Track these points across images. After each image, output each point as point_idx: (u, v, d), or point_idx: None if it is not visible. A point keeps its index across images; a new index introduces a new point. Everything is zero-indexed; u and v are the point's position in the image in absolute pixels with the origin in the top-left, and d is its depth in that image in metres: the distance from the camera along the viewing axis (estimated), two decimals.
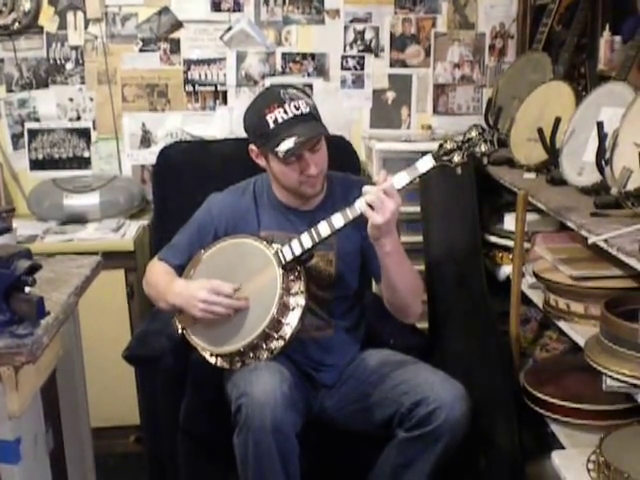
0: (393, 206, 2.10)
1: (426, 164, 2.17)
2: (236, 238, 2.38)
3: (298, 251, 2.25)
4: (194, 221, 2.51)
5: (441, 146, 2.18)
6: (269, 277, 2.25)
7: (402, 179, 2.18)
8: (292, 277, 2.26)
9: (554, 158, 2.69)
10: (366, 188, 2.14)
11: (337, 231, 2.23)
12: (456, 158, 2.17)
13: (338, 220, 2.21)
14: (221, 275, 2.30)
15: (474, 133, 2.17)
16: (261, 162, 2.39)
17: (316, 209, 2.41)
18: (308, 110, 2.27)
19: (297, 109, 2.25)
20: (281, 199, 2.44)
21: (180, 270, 2.43)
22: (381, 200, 2.09)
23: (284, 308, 2.22)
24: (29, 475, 1.81)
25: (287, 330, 2.22)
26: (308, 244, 2.25)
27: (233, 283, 2.26)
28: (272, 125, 2.24)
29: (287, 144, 2.20)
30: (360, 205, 2.15)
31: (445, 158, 2.17)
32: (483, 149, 2.17)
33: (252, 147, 2.38)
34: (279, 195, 2.44)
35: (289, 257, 2.25)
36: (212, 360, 2.30)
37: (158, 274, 2.47)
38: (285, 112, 2.24)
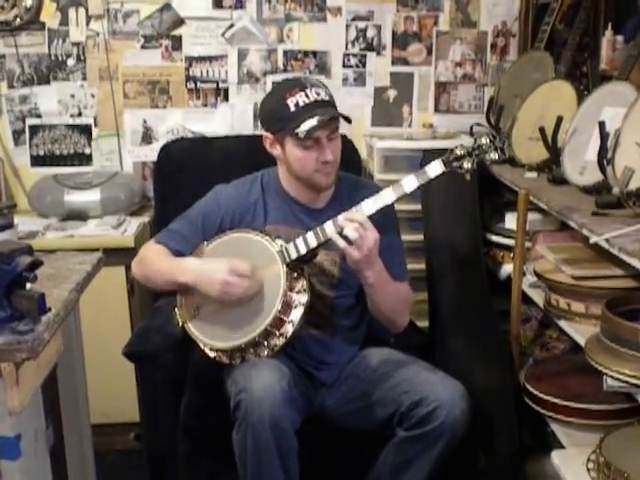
0: (371, 242, 2.12)
1: (436, 169, 2.17)
2: (240, 232, 2.37)
3: (303, 250, 2.24)
4: (199, 210, 2.46)
5: (451, 152, 2.17)
6: (272, 274, 2.24)
7: (411, 183, 2.17)
8: (295, 275, 2.26)
9: (556, 157, 2.69)
10: (340, 222, 2.15)
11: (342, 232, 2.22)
12: (466, 165, 2.16)
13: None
14: None
15: (485, 140, 2.16)
16: (274, 150, 2.37)
17: (323, 208, 2.41)
18: (328, 98, 2.30)
19: (318, 95, 2.27)
20: (290, 193, 2.43)
21: (178, 256, 2.38)
22: (361, 236, 2.10)
23: (287, 306, 2.21)
24: (29, 471, 1.81)
25: (289, 328, 2.22)
26: (313, 244, 2.24)
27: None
28: (293, 108, 2.25)
29: (310, 123, 2.21)
30: (368, 209, 2.17)
31: (455, 164, 2.17)
32: (493, 157, 2.16)
33: (267, 135, 2.37)
34: (288, 188, 2.43)
35: (294, 255, 2.25)
36: (211, 354, 2.29)
37: (157, 254, 2.40)
38: (307, 96, 2.25)
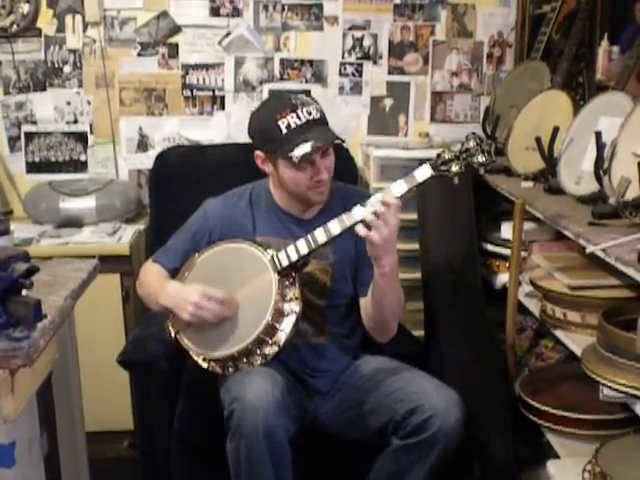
0: (392, 223, 2.07)
1: (424, 173, 2.16)
2: (231, 242, 2.37)
3: (294, 257, 2.24)
4: (189, 226, 2.50)
5: (439, 156, 2.16)
6: (264, 282, 2.24)
7: (400, 188, 2.17)
8: (287, 283, 2.25)
9: (552, 167, 2.70)
10: (370, 200, 2.11)
11: (334, 238, 2.21)
12: (454, 168, 2.15)
13: (334, 227, 2.20)
14: (215, 279, 2.29)
15: (472, 143, 2.16)
16: (266, 168, 2.37)
17: (314, 218, 2.41)
18: (319, 116, 2.28)
19: (309, 114, 2.25)
20: (281, 205, 2.43)
21: (174, 273, 2.42)
22: (385, 212, 2.07)
23: (279, 314, 2.21)
24: (23, 479, 1.80)
25: (281, 336, 2.21)
26: (304, 250, 2.23)
27: (227, 287, 2.26)
28: (285, 130, 2.23)
29: (303, 149, 2.20)
30: (357, 214, 2.14)
31: (443, 168, 2.15)
32: (481, 159, 2.15)
33: (258, 153, 2.36)
34: (280, 202, 2.43)
35: (285, 263, 2.24)
36: (204, 365, 2.29)
37: (151, 275, 2.47)
38: (298, 117, 2.23)
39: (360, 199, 2.21)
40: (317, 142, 2.21)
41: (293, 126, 2.23)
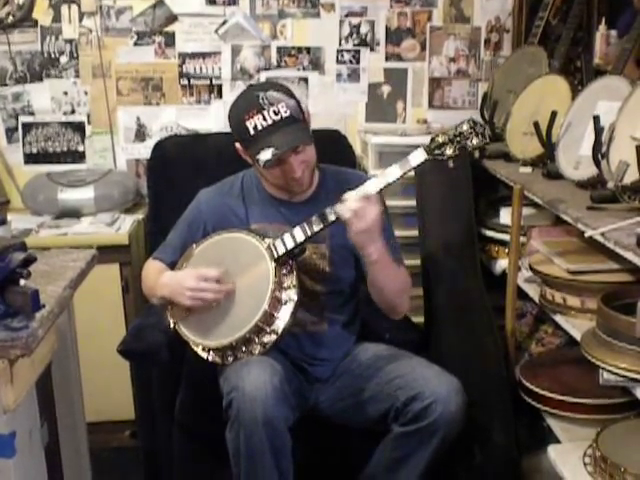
0: (373, 214, 2.11)
1: (418, 157, 2.18)
2: (228, 232, 2.38)
3: (290, 245, 2.25)
4: (185, 218, 2.52)
5: (433, 140, 2.19)
6: (261, 271, 2.24)
7: (394, 172, 2.17)
8: (284, 271, 2.26)
9: (550, 152, 2.69)
10: (346, 195, 2.15)
11: (329, 224, 2.23)
12: (448, 151, 2.17)
13: (331, 214, 2.21)
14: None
15: (465, 127, 2.18)
16: (248, 159, 2.37)
17: (308, 201, 2.41)
18: (288, 113, 2.23)
19: (276, 114, 2.21)
20: (271, 192, 2.44)
21: (173, 266, 2.43)
22: (362, 207, 2.10)
23: (276, 302, 2.21)
24: (24, 469, 1.80)
25: (279, 324, 2.22)
26: (300, 238, 2.24)
27: (225, 277, 2.26)
28: (252, 132, 2.22)
29: (265, 155, 2.19)
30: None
31: (437, 152, 2.18)
32: (475, 142, 2.17)
33: (237, 145, 2.36)
34: (269, 189, 2.44)
35: (281, 251, 2.25)
36: (204, 355, 2.29)
37: (150, 272, 2.49)
38: (264, 119, 2.20)
39: (354, 178, 2.23)
40: (277, 149, 2.19)
41: (259, 127, 2.21)
